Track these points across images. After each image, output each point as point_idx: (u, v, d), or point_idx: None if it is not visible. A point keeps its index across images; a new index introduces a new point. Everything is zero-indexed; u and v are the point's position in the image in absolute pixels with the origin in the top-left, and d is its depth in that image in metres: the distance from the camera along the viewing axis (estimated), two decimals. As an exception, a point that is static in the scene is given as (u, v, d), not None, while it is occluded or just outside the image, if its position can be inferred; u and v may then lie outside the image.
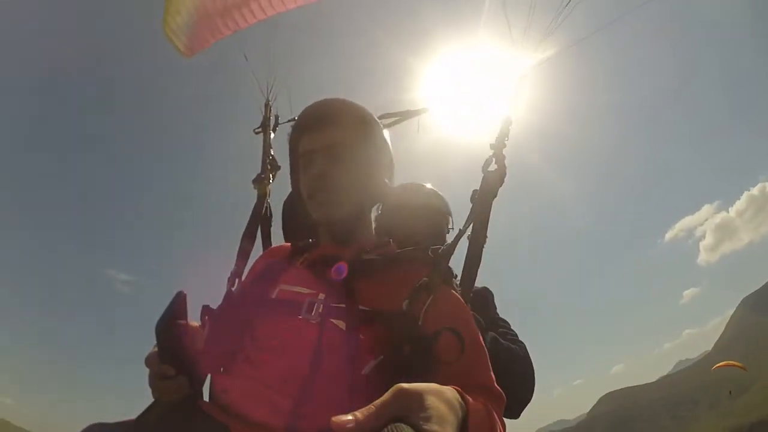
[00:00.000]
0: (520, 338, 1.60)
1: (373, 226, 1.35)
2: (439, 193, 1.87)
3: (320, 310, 0.99)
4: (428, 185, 1.90)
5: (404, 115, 1.70)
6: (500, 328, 1.58)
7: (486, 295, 1.71)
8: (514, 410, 1.45)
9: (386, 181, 1.23)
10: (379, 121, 1.26)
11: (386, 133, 1.27)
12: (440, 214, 1.80)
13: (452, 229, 1.83)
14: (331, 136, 1.16)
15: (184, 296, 0.94)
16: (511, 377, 1.33)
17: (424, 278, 1.02)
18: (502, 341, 1.47)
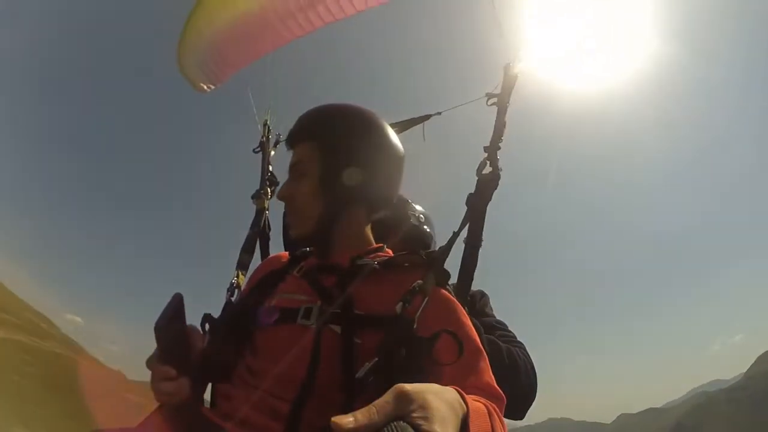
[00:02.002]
0: (519, 339, 1.57)
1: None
2: (415, 215, 1.75)
3: (317, 316, 1.01)
4: (415, 206, 1.80)
5: (409, 123, 1.71)
6: (498, 330, 1.56)
7: (481, 299, 1.70)
8: (518, 411, 1.44)
9: (368, 185, 1.16)
10: (355, 131, 1.18)
11: (375, 144, 1.19)
12: (414, 241, 1.68)
13: (434, 242, 1.76)
14: (295, 155, 1.20)
15: (182, 298, 0.93)
16: (512, 379, 1.33)
17: (418, 281, 1.03)
18: (500, 343, 1.45)
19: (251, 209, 1.71)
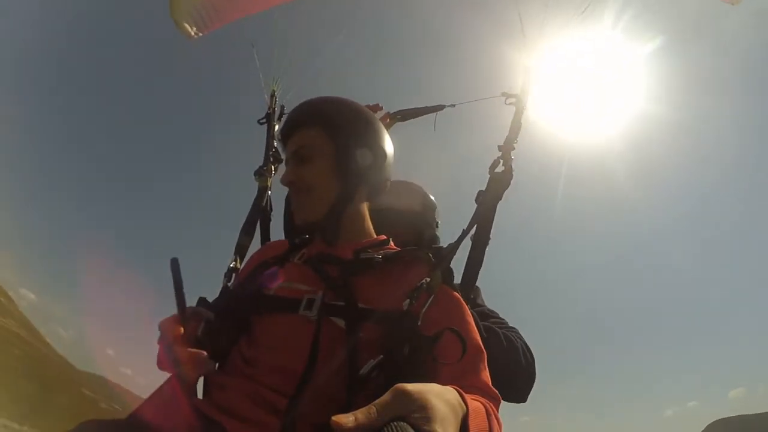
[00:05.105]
0: (511, 325, 1.56)
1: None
2: (421, 195, 1.75)
3: (319, 308, 0.98)
4: (415, 185, 1.78)
5: (421, 111, 1.67)
6: (491, 318, 1.55)
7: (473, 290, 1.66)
8: (520, 393, 1.42)
9: (375, 167, 1.19)
10: (359, 116, 1.22)
11: (376, 129, 1.23)
12: (419, 218, 1.69)
13: (438, 225, 1.75)
14: (296, 141, 1.18)
15: (177, 262, 0.90)
16: (512, 360, 1.35)
17: (426, 278, 1.01)
18: (497, 329, 1.44)
19: (252, 188, 1.59)
